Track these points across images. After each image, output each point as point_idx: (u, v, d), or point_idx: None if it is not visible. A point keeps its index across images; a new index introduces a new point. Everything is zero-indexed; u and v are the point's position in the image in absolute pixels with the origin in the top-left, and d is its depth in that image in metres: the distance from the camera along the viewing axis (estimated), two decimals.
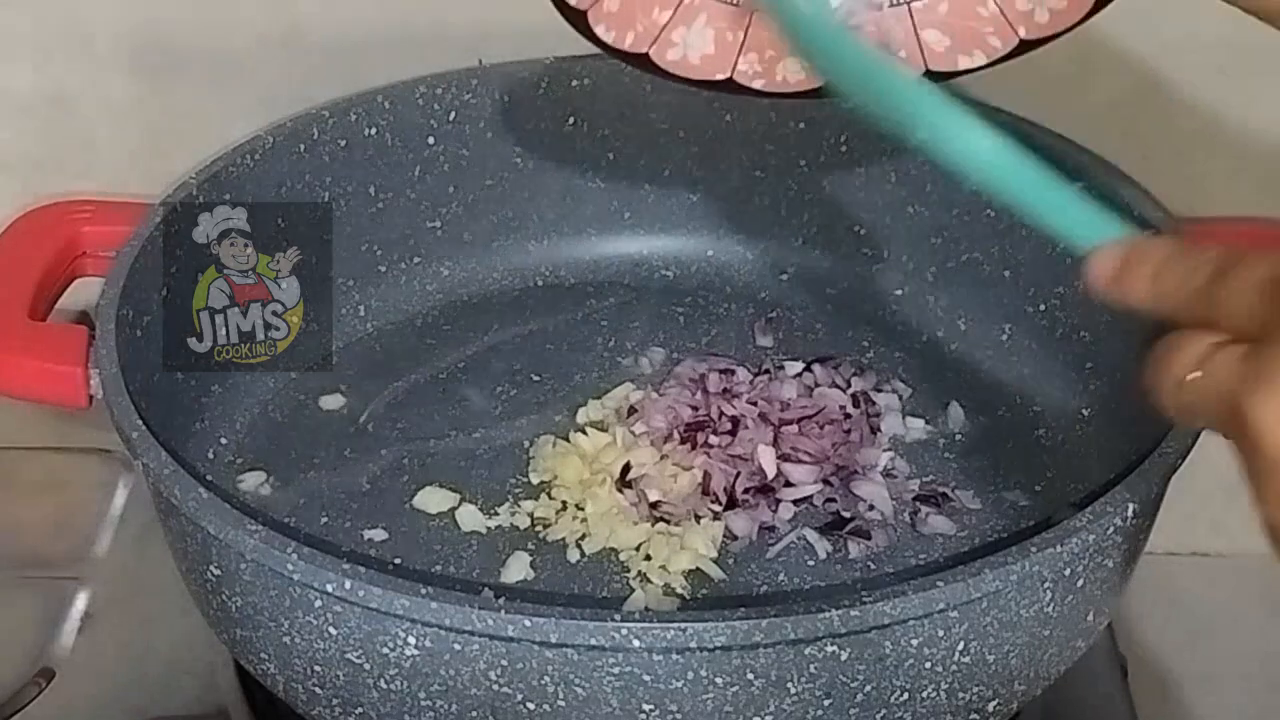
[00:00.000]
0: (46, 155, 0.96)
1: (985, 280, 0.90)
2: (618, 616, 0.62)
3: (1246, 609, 0.91)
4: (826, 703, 0.64)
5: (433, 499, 0.81)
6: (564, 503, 0.81)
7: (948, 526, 0.80)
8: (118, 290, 0.77)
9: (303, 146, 0.88)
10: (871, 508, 0.81)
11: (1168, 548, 0.79)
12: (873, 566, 0.78)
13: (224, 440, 0.85)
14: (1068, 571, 0.67)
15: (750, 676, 0.63)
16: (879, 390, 0.87)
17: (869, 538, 0.79)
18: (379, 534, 0.80)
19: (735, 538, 0.79)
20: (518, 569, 0.78)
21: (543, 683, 0.64)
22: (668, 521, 0.79)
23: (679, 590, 0.77)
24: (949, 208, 0.90)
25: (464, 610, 0.62)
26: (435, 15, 0.93)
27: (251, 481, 0.83)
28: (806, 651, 0.63)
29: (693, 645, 0.62)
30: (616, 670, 0.63)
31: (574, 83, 0.92)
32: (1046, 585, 0.66)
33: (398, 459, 0.84)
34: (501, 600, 0.62)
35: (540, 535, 0.80)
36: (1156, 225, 0.81)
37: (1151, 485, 0.69)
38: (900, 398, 0.87)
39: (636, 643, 0.62)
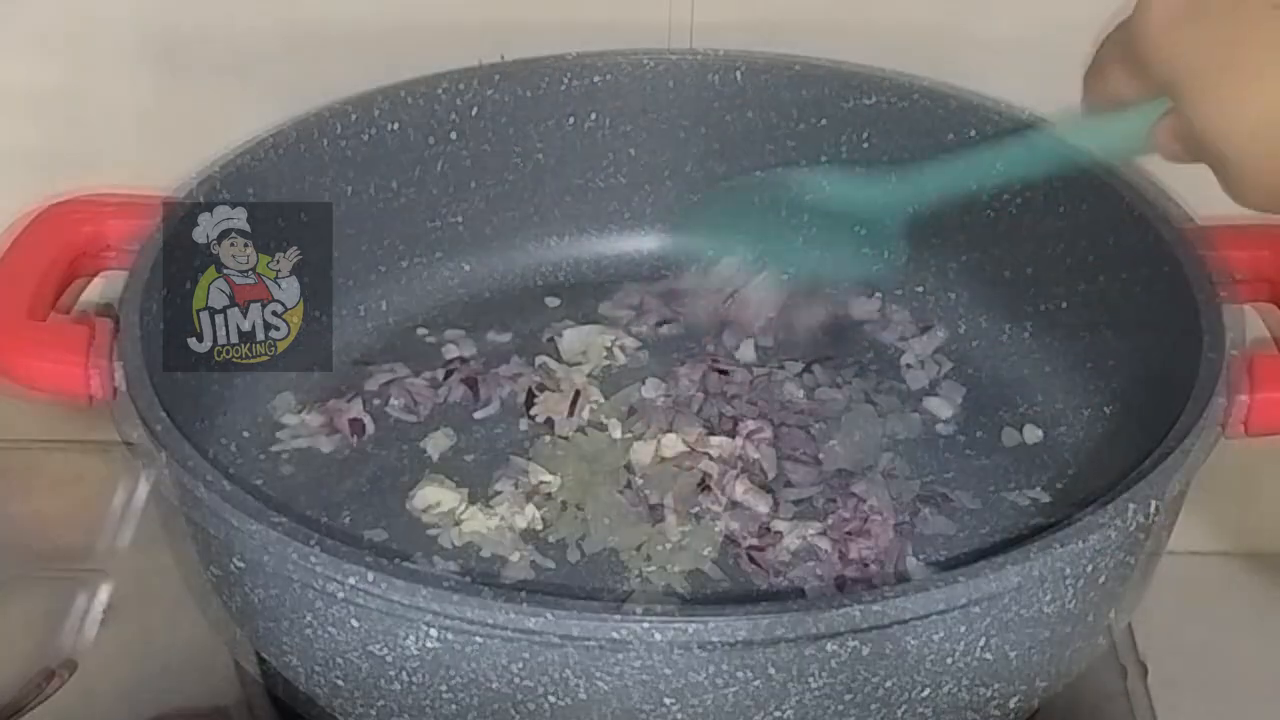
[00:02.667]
0: (63, 151, 0.96)
1: (988, 280, 0.90)
2: (639, 610, 0.62)
3: (1266, 608, 0.91)
4: (848, 697, 0.64)
5: (433, 498, 0.82)
6: (564, 503, 0.81)
7: (947, 526, 0.80)
8: (141, 284, 0.77)
9: (324, 141, 0.88)
10: (872, 507, 0.81)
11: (1188, 546, 0.79)
12: (872, 568, 0.78)
13: (245, 434, 0.85)
14: (1090, 568, 0.67)
15: (772, 671, 0.63)
16: (879, 390, 0.87)
17: (869, 537, 0.79)
18: (379, 534, 0.80)
19: (736, 538, 0.79)
20: (518, 569, 0.78)
21: (564, 676, 0.64)
22: (668, 521, 0.80)
23: (679, 590, 0.77)
24: (951, 208, 0.90)
25: (487, 603, 0.62)
26: (458, 11, 0.93)
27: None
28: (828, 647, 0.63)
29: (715, 640, 0.62)
30: (638, 664, 0.63)
31: (595, 79, 0.92)
32: (1068, 581, 0.66)
33: (398, 459, 0.84)
34: (523, 594, 0.62)
35: (541, 535, 0.80)
36: (1173, 222, 0.81)
37: (1174, 482, 0.69)
38: (900, 398, 0.87)
39: (659, 637, 0.62)
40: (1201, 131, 0.61)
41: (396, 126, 0.90)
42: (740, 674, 0.63)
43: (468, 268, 0.94)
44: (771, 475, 0.82)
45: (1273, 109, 0.58)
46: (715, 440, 0.83)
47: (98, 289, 0.82)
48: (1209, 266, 0.78)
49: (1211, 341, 0.74)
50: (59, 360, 0.75)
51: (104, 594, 0.86)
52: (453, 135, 0.91)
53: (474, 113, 0.91)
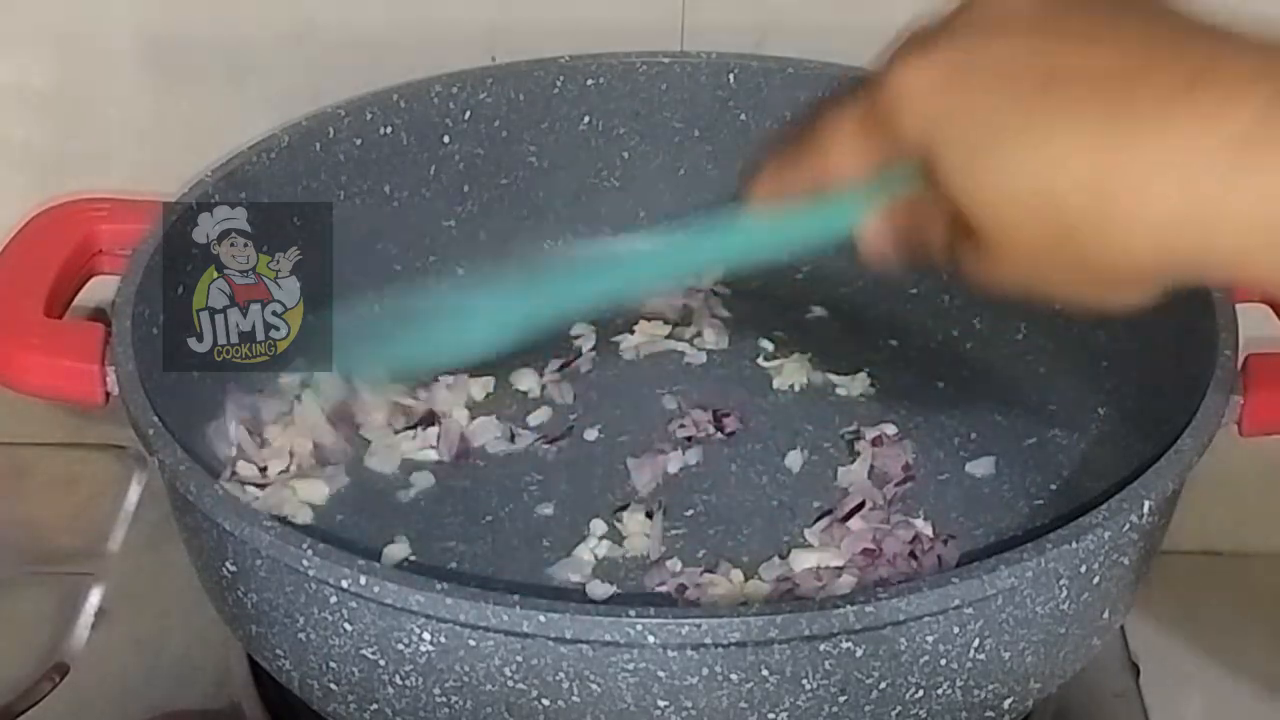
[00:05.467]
0: (63, 153, 0.96)
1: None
2: (632, 613, 0.62)
3: (1260, 609, 0.91)
4: (841, 699, 0.64)
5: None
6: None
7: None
8: (134, 288, 0.77)
9: (318, 145, 0.88)
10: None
11: (1181, 547, 0.79)
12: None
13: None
14: (1084, 569, 0.67)
15: (765, 673, 0.63)
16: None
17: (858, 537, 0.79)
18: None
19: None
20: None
21: (557, 679, 0.64)
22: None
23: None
24: None
25: (479, 606, 0.62)
26: (450, 14, 0.93)
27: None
28: (821, 648, 0.63)
29: (707, 641, 0.62)
30: (631, 666, 0.63)
31: (589, 81, 0.92)
32: (1062, 582, 0.66)
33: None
34: (516, 596, 0.62)
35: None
36: None
37: (1168, 482, 0.69)
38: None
39: (651, 639, 0.62)
40: (961, 196, 0.57)
41: (389, 131, 0.90)
42: (734, 676, 0.63)
43: (461, 272, 0.94)
44: None
45: (1039, 176, 0.54)
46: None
47: (109, 291, 0.82)
48: None
49: (1227, 339, 0.74)
50: (67, 362, 0.76)
51: (96, 597, 0.86)
52: (445, 139, 0.91)
53: (467, 116, 0.91)
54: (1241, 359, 0.74)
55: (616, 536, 0.79)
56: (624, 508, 0.81)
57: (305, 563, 0.64)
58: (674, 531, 0.80)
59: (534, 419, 0.86)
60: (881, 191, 0.62)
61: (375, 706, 0.68)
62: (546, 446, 0.85)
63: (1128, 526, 0.67)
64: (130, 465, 0.94)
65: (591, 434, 0.85)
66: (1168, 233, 0.53)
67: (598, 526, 0.80)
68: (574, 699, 0.64)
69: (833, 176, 0.63)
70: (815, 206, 0.64)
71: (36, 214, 0.85)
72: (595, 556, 0.78)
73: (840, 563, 0.77)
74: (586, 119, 0.93)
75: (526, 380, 0.88)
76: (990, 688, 0.67)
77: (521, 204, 0.94)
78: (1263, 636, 0.88)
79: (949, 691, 0.66)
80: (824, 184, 0.63)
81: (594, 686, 0.63)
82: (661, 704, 0.64)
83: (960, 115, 0.57)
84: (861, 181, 0.62)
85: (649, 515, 0.80)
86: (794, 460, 0.84)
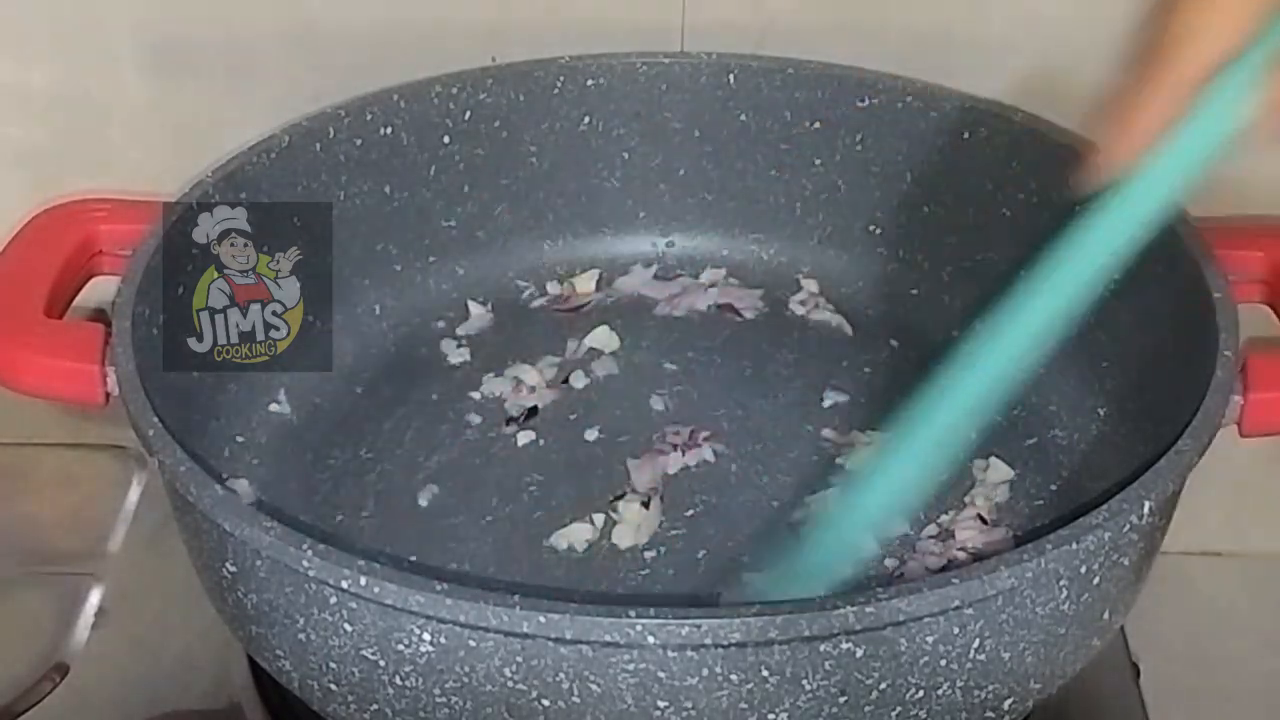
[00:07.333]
0: (63, 153, 0.96)
1: (1001, 280, 0.89)
2: (633, 613, 0.62)
3: (1260, 609, 0.91)
4: (842, 700, 0.64)
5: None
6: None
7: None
8: (134, 288, 0.77)
9: (318, 145, 0.88)
10: None
11: (1181, 547, 0.79)
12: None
13: (239, 439, 0.85)
14: (1084, 569, 0.67)
15: (765, 673, 0.63)
16: None
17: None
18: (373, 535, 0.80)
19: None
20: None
21: (558, 679, 0.64)
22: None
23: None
24: (965, 207, 0.90)
25: (479, 606, 0.62)
26: (450, 14, 0.93)
27: None
28: (821, 648, 0.63)
29: (708, 642, 0.62)
30: (631, 667, 0.63)
31: (589, 82, 0.92)
32: (1063, 583, 0.66)
33: (410, 459, 0.84)
34: (516, 597, 0.62)
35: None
36: (1185, 219, 0.81)
37: (1168, 483, 0.68)
38: None
39: (651, 639, 0.61)
40: None
41: (389, 131, 0.90)
42: (734, 676, 0.63)
43: (461, 272, 0.94)
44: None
45: None
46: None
47: (109, 291, 0.82)
48: (1221, 263, 0.78)
49: (1227, 339, 0.74)
50: (67, 362, 0.76)
51: (96, 597, 0.86)
52: (446, 139, 0.91)
53: (467, 116, 0.91)
54: (1241, 359, 0.74)
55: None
56: (620, 497, 0.81)
57: (305, 563, 0.64)
58: (674, 531, 0.80)
59: (534, 418, 0.86)
60: (1271, 45, 0.54)
61: (375, 707, 0.68)
62: (546, 446, 0.85)
63: (1128, 527, 0.67)
64: (130, 465, 0.94)
65: (591, 434, 0.86)
66: None
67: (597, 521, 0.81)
68: (574, 699, 0.64)
69: (1207, 62, 0.54)
70: (1198, 113, 0.56)
71: (36, 214, 0.85)
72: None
73: None
74: (586, 119, 0.93)
75: (526, 379, 0.88)
76: (990, 688, 0.67)
77: (521, 204, 0.94)
78: (1263, 636, 0.88)
79: (949, 692, 0.66)
80: (1197, 81, 0.55)
81: (594, 687, 0.63)
82: (661, 704, 0.64)
83: None
84: (1244, 49, 0.54)
85: (645, 505, 0.80)
86: (794, 461, 0.83)
